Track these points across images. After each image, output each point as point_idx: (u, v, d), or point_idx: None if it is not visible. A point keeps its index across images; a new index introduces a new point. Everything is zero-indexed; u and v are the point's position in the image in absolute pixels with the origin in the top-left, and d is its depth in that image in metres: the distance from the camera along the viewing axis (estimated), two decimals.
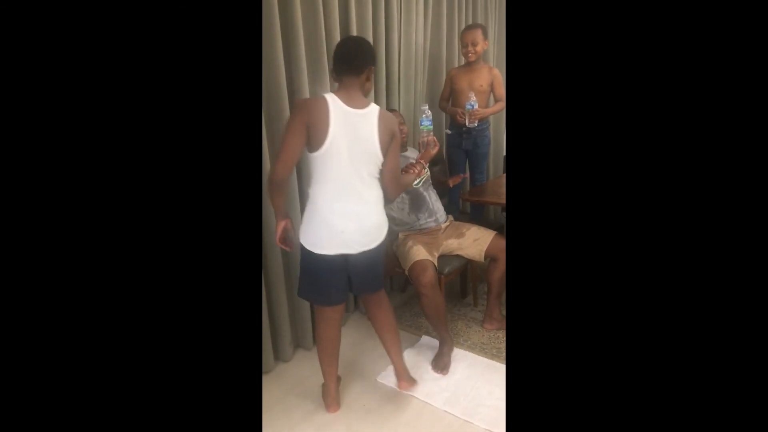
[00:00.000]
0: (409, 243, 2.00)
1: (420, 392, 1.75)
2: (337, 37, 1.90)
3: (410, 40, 2.29)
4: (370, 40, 2.06)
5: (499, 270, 2.05)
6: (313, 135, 1.34)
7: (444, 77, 2.66)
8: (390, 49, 2.21)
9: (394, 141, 1.47)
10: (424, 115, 1.78)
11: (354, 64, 1.39)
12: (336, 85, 1.44)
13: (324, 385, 1.69)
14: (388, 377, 1.85)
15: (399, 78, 2.29)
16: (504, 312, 2.18)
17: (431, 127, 1.78)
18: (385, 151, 1.44)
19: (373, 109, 1.42)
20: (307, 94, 1.81)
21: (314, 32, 1.80)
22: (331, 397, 1.67)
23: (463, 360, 1.95)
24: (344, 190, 1.40)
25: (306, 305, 1.98)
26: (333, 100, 1.35)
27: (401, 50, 2.26)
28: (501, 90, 2.54)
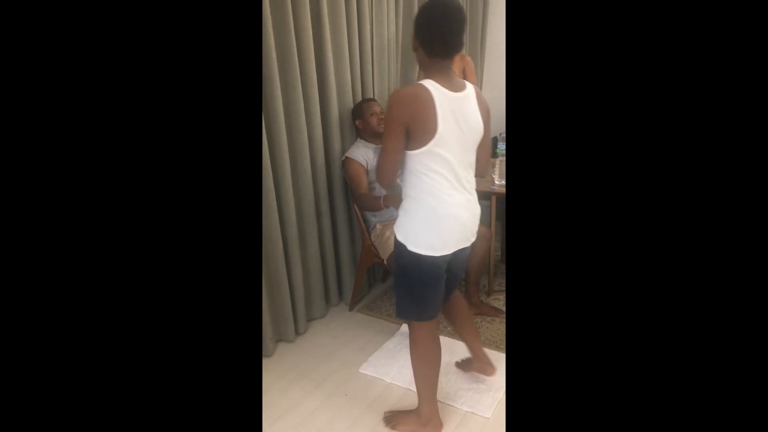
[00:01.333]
0: (387, 233, 2.00)
1: (401, 379, 1.77)
2: (308, 26, 1.86)
3: (382, 29, 2.27)
4: (343, 28, 2.03)
5: (477, 256, 2.07)
6: (419, 130, 1.21)
7: (417, 67, 2.65)
8: (362, 36, 2.18)
9: (489, 116, 1.37)
10: None
11: (454, 43, 1.21)
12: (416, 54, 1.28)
13: (426, 413, 1.51)
14: (369, 368, 1.86)
15: (372, 66, 2.27)
16: (482, 298, 2.21)
17: None
18: (485, 128, 1.35)
19: (471, 88, 1.31)
20: (277, 86, 1.78)
21: (282, 21, 1.77)
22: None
23: (442, 346, 1.97)
24: (456, 180, 1.28)
25: (286, 299, 1.97)
26: (435, 88, 1.21)
27: (374, 39, 2.24)
28: (473, 77, 2.55)
